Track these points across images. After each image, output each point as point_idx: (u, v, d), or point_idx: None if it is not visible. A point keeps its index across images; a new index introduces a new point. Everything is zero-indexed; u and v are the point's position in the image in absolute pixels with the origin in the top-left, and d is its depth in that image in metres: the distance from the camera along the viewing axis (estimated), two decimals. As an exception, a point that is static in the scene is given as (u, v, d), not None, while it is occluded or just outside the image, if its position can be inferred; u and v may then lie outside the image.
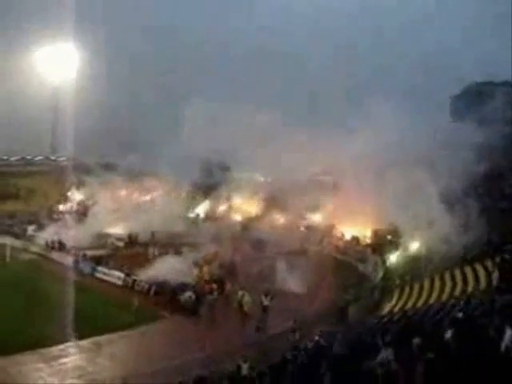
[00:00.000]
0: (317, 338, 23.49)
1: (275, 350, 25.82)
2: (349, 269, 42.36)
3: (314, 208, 52.86)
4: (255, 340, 29.19)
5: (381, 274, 39.19)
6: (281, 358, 22.08)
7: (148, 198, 70.44)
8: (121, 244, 57.93)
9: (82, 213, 70.57)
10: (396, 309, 31.31)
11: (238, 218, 62.92)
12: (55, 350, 28.35)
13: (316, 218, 53.86)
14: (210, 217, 63.20)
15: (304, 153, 48.19)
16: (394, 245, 43.61)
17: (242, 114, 51.26)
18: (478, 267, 33.16)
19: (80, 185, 78.84)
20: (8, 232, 67.42)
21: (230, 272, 41.74)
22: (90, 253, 52.32)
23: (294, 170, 48.09)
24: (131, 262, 45.89)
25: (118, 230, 59.72)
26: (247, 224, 57.91)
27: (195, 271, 40.96)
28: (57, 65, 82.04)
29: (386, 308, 32.38)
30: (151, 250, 51.75)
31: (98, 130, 75.62)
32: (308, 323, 29.56)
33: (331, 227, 51.19)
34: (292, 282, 38.56)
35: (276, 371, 20.53)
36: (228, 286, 37.77)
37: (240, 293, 35.27)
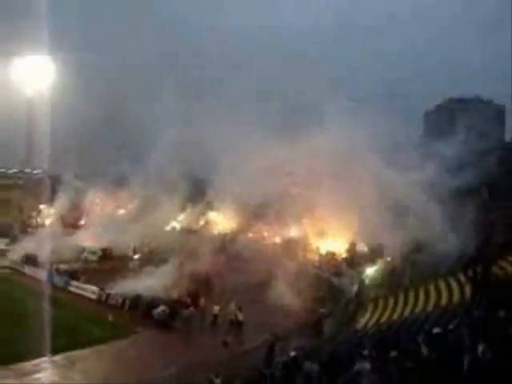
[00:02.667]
0: (292, 352, 23.45)
1: (250, 365, 25.81)
2: (324, 282, 42.41)
3: (290, 222, 52.91)
4: (229, 354, 29.03)
5: (356, 288, 39.31)
6: (256, 373, 21.97)
7: (124, 210, 70.08)
8: (95, 258, 57.55)
9: (56, 226, 69.87)
10: (371, 322, 31.45)
11: (214, 231, 62.81)
12: (28, 365, 27.86)
13: (291, 233, 53.93)
14: (187, 230, 62.92)
15: (279, 163, 48.18)
16: (369, 258, 43.81)
17: (220, 122, 51.25)
18: (451, 281, 33.50)
19: (54, 198, 78.07)
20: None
21: (205, 286, 41.64)
22: (63, 267, 51.94)
23: (270, 182, 48.05)
24: (105, 276, 45.49)
25: (92, 243, 59.28)
26: (223, 238, 57.83)
27: (170, 285, 40.68)
28: (31, 76, 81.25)
29: (362, 321, 32.48)
30: (126, 264, 51.50)
31: (72, 143, 75.39)
32: (284, 337, 29.49)
33: (306, 241, 51.29)
34: (267, 295, 38.53)
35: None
36: (202, 301, 37.62)
37: (216, 307, 35.32)
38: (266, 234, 55.44)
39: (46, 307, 34.00)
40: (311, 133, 47.08)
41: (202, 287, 40.95)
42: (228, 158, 51.52)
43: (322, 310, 35.31)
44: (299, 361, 20.41)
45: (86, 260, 57.06)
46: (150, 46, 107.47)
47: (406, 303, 32.97)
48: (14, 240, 69.40)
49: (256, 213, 55.11)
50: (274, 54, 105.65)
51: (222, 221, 64.00)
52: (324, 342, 28.57)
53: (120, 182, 67.77)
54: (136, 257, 55.19)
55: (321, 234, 49.75)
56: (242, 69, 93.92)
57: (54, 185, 75.73)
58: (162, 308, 36.18)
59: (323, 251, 49.52)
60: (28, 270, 55.24)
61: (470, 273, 31.41)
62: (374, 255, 43.62)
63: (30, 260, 56.66)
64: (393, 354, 15.41)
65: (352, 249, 47.02)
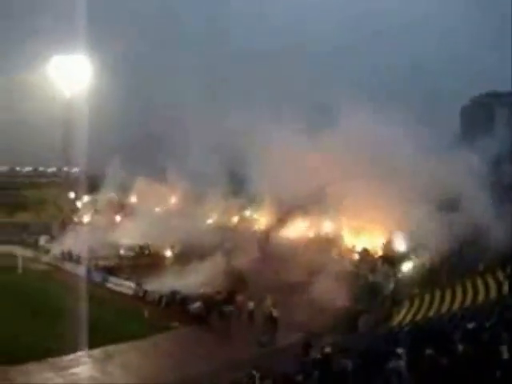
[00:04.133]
0: (327, 349, 23.38)
1: (286, 361, 25.85)
2: (360, 279, 42.13)
3: (325, 219, 52.68)
4: (266, 350, 29.08)
5: (392, 285, 39.02)
6: (292, 369, 22.02)
7: (163, 207, 70.57)
8: (132, 254, 58.14)
9: (94, 223, 70.77)
10: (407, 319, 31.18)
11: (250, 228, 62.85)
12: (66, 359, 28.48)
13: (327, 229, 53.68)
14: (223, 226, 63.04)
15: (314, 159, 48.11)
16: (405, 255, 43.43)
17: (255, 122, 51.42)
18: (489, 278, 33.00)
19: (92, 196, 79.15)
20: (20, 243, 68.00)
21: (241, 282, 41.70)
22: (101, 263, 52.66)
23: (305, 179, 47.98)
24: (142, 273, 45.97)
25: (130, 239, 59.90)
26: (259, 234, 57.88)
27: (206, 281, 40.87)
28: (69, 77, 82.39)
29: (397, 318, 32.24)
30: (162, 260, 51.96)
31: (110, 142, 76.40)
32: (319, 334, 29.44)
33: (342, 238, 50.99)
34: (303, 292, 38.47)
35: (288, 381, 20.50)
36: (239, 297, 37.69)
37: (251, 304, 35.41)
38: (301, 230, 55.18)
39: (84, 303, 34.56)
40: (347, 128, 46.93)
41: (237, 284, 41.07)
42: (265, 155, 51.65)
43: (357, 307, 35.17)
44: (334, 357, 20.39)
45: (123, 256, 57.65)
46: (189, 42, 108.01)
47: (442, 300, 32.59)
48: (53, 237, 70.52)
49: (291, 210, 55.08)
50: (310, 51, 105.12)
51: (257, 218, 64.04)
52: (359, 339, 28.43)
53: (159, 179, 68.39)
54: (172, 253, 55.54)
55: (357, 231, 49.40)
56: (277, 68, 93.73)
57: (93, 183, 76.77)
58: (198, 304, 36.40)
59: (359, 248, 49.21)
60: (67, 266, 56.13)
61: (509, 270, 30.96)
62: (411, 252, 43.28)
63: (69, 256, 57.58)
64: (428, 351, 15.30)
65: (388, 246, 46.64)
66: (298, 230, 54.73)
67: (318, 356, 22.84)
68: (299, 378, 20.37)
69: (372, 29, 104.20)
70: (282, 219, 57.67)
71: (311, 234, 54.23)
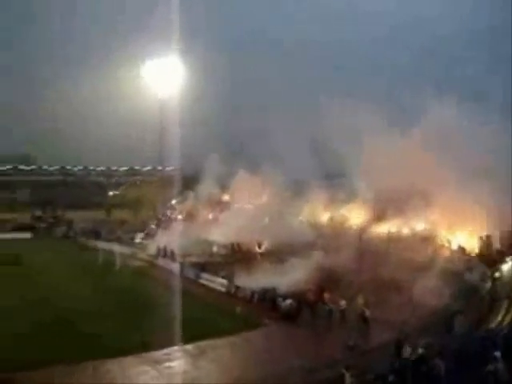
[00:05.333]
0: (421, 349, 22.87)
1: (378, 361, 25.50)
2: (455, 278, 40.88)
3: (418, 215, 51.45)
4: (358, 350, 28.73)
5: (489, 285, 37.60)
6: (385, 369, 21.71)
7: (255, 204, 71.01)
8: (224, 251, 58.89)
9: (187, 221, 72.17)
10: (505, 321, 29.96)
11: (342, 225, 62.29)
12: (160, 353, 29.23)
13: (420, 226, 52.41)
14: (316, 223, 62.70)
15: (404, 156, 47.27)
16: (503, 254, 41.74)
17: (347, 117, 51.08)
18: None
19: (185, 193, 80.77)
20: (117, 240, 70.50)
21: (334, 281, 41.36)
22: (194, 259, 53.66)
23: (397, 175, 47.17)
24: (234, 270, 46.49)
25: (222, 237, 60.71)
26: (351, 232, 57.30)
27: (297, 279, 40.80)
28: (163, 78, 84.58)
29: (495, 320, 31.04)
30: (253, 257, 52.37)
31: (203, 141, 77.86)
32: (412, 333, 28.80)
33: (436, 235, 49.64)
34: (396, 290, 37.80)
35: (379, 382, 20.25)
36: (330, 295, 37.39)
37: (342, 302, 35.08)
38: (394, 227, 54.12)
39: (178, 298, 35.39)
40: (438, 123, 45.85)
41: (330, 282, 40.76)
42: (355, 153, 51.18)
43: (453, 307, 34.12)
44: (428, 358, 19.95)
45: (215, 254, 58.51)
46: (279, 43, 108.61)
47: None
48: (148, 234, 72.63)
49: (384, 206, 54.20)
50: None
51: (351, 214, 63.32)
52: (454, 340, 27.58)
53: (255, 174, 68.80)
54: (263, 250, 55.87)
55: (451, 228, 47.98)
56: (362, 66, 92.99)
57: (187, 181, 78.29)
58: (289, 301, 36.43)
59: (454, 246, 47.76)
60: (162, 262, 57.59)
61: None
62: (509, 250, 41.58)
63: (164, 253, 59.04)
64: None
65: (485, 243, 44.99)
66: (392, 226, 53.71)
67: (411, 356, 22.43)
68: (391, 378, 20.07)
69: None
70: (376, 216, 56.80)
71: (406, 231, 53.07)
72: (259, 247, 56.62)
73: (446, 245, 48.25)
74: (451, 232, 48.06)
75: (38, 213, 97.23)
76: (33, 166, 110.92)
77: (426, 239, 48.58)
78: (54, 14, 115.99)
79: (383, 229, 53.93)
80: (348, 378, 22.21)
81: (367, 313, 32.94)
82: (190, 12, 76.28)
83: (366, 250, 46.48)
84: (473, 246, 45.86)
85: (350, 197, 59.29)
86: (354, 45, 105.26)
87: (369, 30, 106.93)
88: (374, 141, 49.29)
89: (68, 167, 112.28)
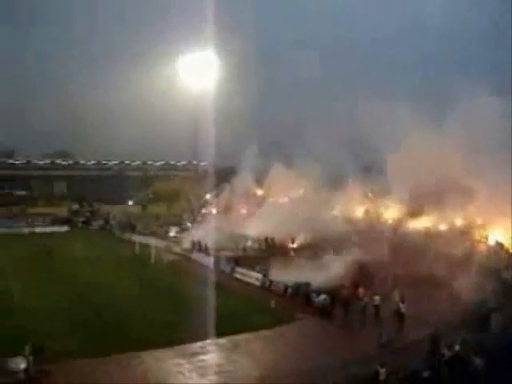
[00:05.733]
0: (457, 347, 22.56)
1: (413, 358, 25.22)
2: (492, 275, 40.18)
3: (454, 211, 50.70)
4: (392, 346, 28.44)
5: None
6: (420, 366, 21.47)
7: (286, 199, 70.85)
8: (258, 246, 58.89)
9: (222, 215, 72.34)
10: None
11: (379, 220, 61.77)
12: (195, 346, 29.38)
13: (456, 222, 51.66)
14: (348, 218, 62.24)
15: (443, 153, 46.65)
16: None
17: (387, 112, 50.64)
18: None
19: (220, 188, 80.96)
20: (152, 234, 71.14)
21: (369, 276, 41.00)
22: (229, 254, 53.78)
23: (434, 171, 46.60)
24: (268, 264, 46.42)
25: (256, 231, 60.73)
26: (386, 227, 56.79)
27: (331, 274, 40.55)
28: (198, 73, 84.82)
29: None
30: (287, 252, 52.28)
31: (238, 136, 77.97)
32: (448, 330, 28.40)
33: (472, 231, 48.88)
34: (432, 286, 37.35)
35: (414, 379, 20.05)
36: (364, 291, 37.04)
37: (376, 298, 34.74)
38: (431, 222, 53.42)
39: (213, 292, 35.55)
40: (474, 119, 45.15)
41: (364, 277, 40.42)
42: (391, 146, 50.77)
43: (490, 304, 33.56)
44: (464, 355, 19.66)
45: (249, 248, 58.52)
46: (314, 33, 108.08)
47: None
48: (183, 229, 73.02)
49: (420, 201, 53.58)
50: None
51: (385, 209, 62.69)
52: (491, 338, 27.12)
53: (291, 168, 68.65)
54: (296, 245, 55.74)
55: (488, 224, 47.21)
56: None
57: (222, 175, 78.44)
58: (323, 296, 36.23)
59: (491, 242, 47.01)
60: (196, 256, 57.83)
61: None
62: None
63: (199, 247, 59.29)
64: None
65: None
66: (428, 221, 53.07)
67: (448, 354, 22.13)
68: (426, 374, 19.85)
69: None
70: (412, 210, 56.17)
71: (442, 226, 52.34)
72: (292, 242, 56.48)
73: (483, 240, 47.55)
74: (488, 227, 47.33)
75: (75, 207, 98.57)
76: (70, 161, 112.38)
77: (463, 234, 47.90)
78: (92, 10, 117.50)
79: (419, 223, 53.33)
80: (382, 374, 22.04)
81: (403, 308, 32.58)
82: (225, 6, 76.29)
83: (402, 244, 45.96)
84: (509, 242, 45.15)
85: (386, 191, 58.71)
86: (388, 40, 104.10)
87: (403, 25, 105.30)
88: (411, 135, 48.76)
89: (104, 162, 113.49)
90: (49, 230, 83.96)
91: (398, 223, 55.02)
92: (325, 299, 35.92)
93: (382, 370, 22.11)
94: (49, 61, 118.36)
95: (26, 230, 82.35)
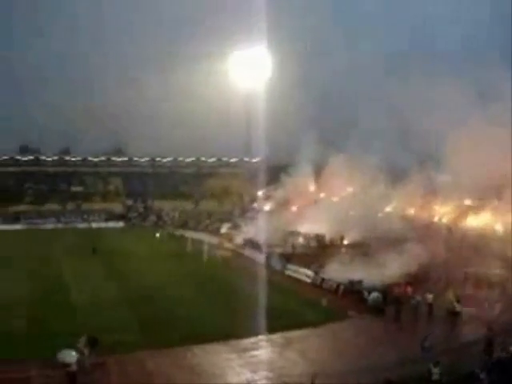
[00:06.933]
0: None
1: (467, 358, 24.77)
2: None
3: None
4: (445, 346, 27.93)
5: None
6: (475, 366, 21.07)
7: (340, 196, 70.38)
8: (309, 243, 58.76)
9: (274, 211, 72.35)
10: None
11: (433, 218, 60.85)
12: (247, 342, 29.51)
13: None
14: (401, 215, 61.35)
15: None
16: None
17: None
18: None
19: (272, 185, 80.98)
20: (204, 229, 71.80)
21: (421, 275, 40.44)
22: (280, 250, 53.83)
23: (490, 168, 45.53)
24: (319, 261, 46.26)
25: (307, 228, 60.62)
26: (444, 225, 55.95)
27: (384, 272, 40.05)
28: (250, 69, 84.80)
29: None
30: (338, 250, 52.02)
31: (290, 132, 77.81)
32: (504, 332, 27.78)
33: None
34: (489, 286, 36.60)
35: (469, 380, 19.72)
36: (417, 289, 36.51)
37: (429, 296, 34.22)
38: (486, 221, 52.30)
39: (265, 288, 35.62)
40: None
41: (417, 275, 39.84)
42: (447, 143, 49.90)
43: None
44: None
45: (301, 245, 58.45)
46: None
47: None
48: (235, 225, 73.36)
49: (475, 199, 52.60)
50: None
51: (440, 207, 61.66)
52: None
53: (339, 170, 68.09)
54: (349, 242, 55.43)
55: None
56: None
57: (273, 172, 78.40)
58: (375, 294, 35.93)
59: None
60: (248, 253, 58.09)
61: None
62: None
63: (250, 244, 59.54)
64: None
65: None
66: (484, 220, 52.00)
67: (502, 354, 21.70)
68: (482, 375, 19.49)
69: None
70: (467, 209, 55.17)
71: (500, 225, 51.14)
72: (343, 240, 56.23)
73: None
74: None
75: (130, 203, 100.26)
76: (124, 158, 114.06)
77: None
78: (145, 8, 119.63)
79: (475, 222, 52.34)
80: (435, 373, 21.72)
81: (458, 308, 32.02)
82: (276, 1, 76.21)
83: (458, 242, 45.20)
84: None
85: (441, 188, 57.68)
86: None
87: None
88: (468, 131, 47.70)
89: (158, 159, 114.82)
90: (104, 225, 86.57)
91: (455, 220, 54.11)
92: (377, 297, 35.61)
93: (436, 370, 21.79)
94: (105, 60, 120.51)
95: (82, 226, 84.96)
